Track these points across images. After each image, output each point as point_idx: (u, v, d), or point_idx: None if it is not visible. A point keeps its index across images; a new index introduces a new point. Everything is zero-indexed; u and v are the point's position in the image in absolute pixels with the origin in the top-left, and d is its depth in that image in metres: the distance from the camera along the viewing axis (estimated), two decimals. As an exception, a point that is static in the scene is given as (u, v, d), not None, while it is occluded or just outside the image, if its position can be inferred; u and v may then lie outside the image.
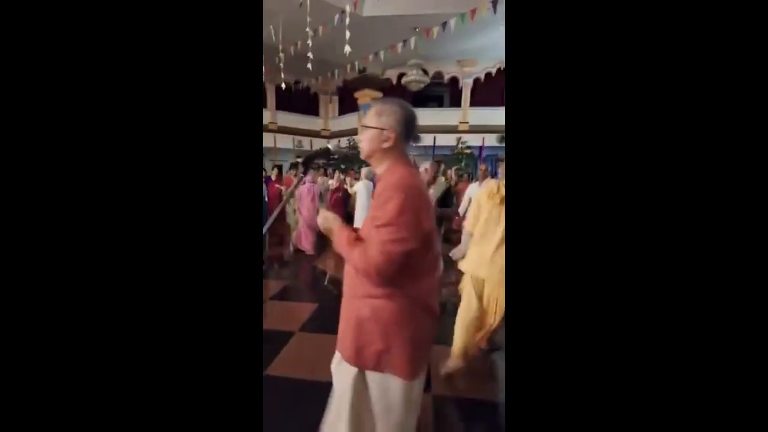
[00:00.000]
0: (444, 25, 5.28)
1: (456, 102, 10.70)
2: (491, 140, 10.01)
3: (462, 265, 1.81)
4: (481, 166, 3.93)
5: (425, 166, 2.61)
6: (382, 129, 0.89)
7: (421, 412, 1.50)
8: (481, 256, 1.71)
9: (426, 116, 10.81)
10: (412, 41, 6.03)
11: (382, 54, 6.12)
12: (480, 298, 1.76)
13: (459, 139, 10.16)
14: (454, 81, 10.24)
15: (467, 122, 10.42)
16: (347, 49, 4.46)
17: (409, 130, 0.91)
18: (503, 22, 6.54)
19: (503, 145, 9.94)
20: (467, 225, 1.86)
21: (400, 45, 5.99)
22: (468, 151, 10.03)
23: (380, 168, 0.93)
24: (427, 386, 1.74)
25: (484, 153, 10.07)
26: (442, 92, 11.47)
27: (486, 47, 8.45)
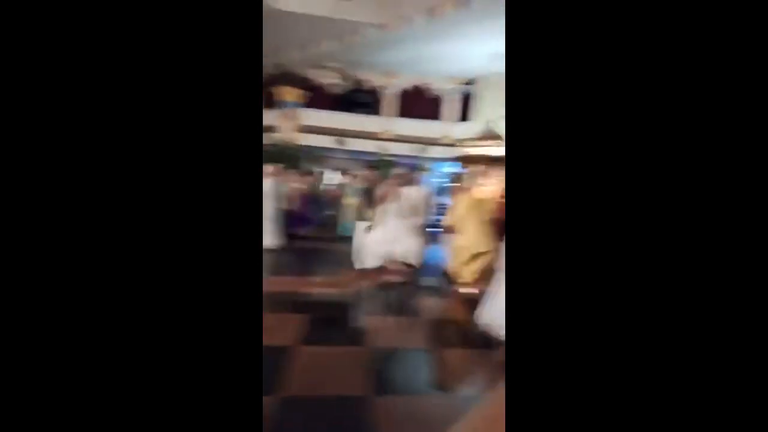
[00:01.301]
0: (361, 34, 5.40)
1: (380, 111, 10.98)
2: (411, 149, 10.51)
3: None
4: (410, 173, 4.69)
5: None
6: None
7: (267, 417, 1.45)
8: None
9: (351, 122, 10.90)
10: (332, 44, 6.04)
11: (300, 53, 6.00)
12: None
13: (381, 147, 10.44)
14: (378, 90, 10.51)
15: (390, 131, 10.77)
16: None
17: None
18: (421, 39, 6.95)
19: (422, 155, 10.54)
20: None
21: (320, 46, 5.96)
22: (390, 158, 10.37)
23: None
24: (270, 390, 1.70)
25: (406, 161, 10.51)
26: (367, 99, 11.68)
27: (406, 61, 8.84)
